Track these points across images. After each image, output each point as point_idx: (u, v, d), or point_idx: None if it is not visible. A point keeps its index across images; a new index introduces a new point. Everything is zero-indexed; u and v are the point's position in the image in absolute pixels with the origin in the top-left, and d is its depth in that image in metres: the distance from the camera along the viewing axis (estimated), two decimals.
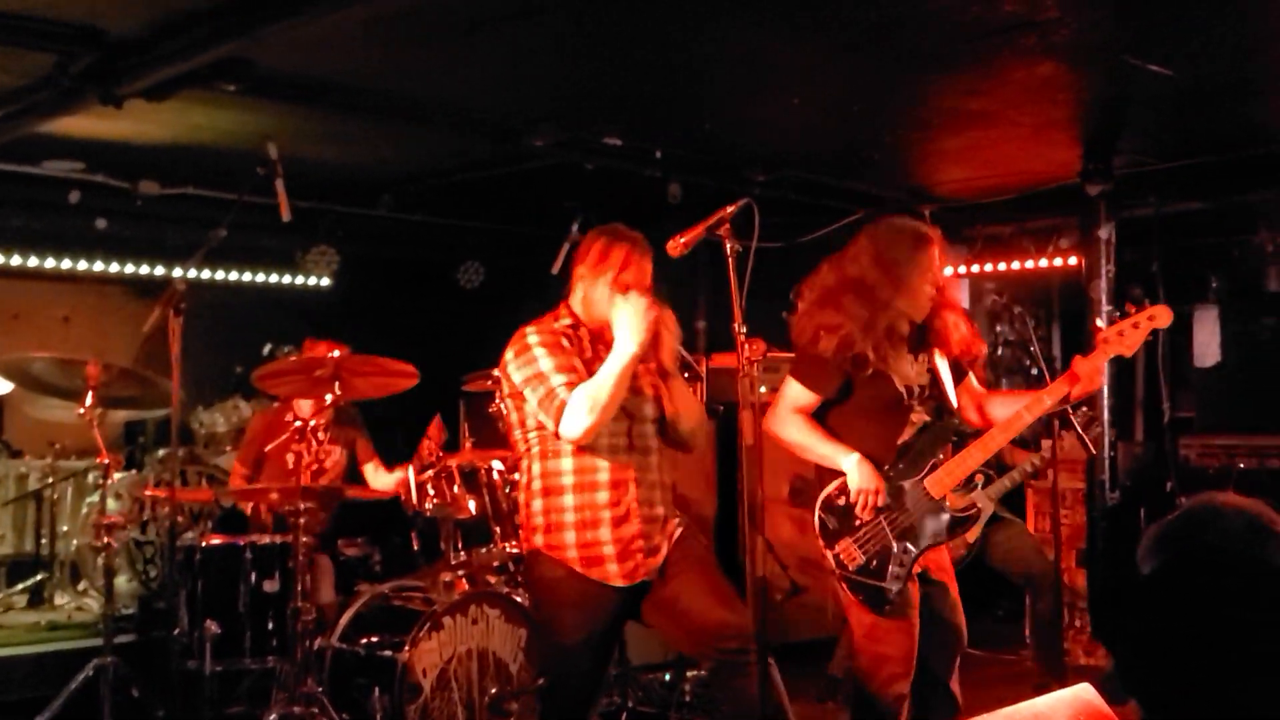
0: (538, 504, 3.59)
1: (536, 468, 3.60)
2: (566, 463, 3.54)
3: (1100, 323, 5.20)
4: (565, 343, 3.56)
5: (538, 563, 3.62)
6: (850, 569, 3.74)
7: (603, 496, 3.52)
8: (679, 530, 3.68)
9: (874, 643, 3.75)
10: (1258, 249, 6.38)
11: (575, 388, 3.43)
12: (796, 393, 3.82)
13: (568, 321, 3.64)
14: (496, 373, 5.04)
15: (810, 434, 3.79)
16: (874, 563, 3.74)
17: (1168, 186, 6.52)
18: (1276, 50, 4.52)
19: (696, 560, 3.64)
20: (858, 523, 3.75)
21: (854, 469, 3.73)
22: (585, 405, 3.39)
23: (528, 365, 3.50)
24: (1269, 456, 6.02)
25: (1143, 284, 6.88)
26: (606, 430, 3.50)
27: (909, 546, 3.75)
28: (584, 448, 3.52)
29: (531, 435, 3.60)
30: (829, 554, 3.76)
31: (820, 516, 3.80)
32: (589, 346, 3.61)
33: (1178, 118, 5.53)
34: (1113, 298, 6.11)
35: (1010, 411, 3.82)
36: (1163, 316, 3.80)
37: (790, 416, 3.80)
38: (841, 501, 3.77)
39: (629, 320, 3.44)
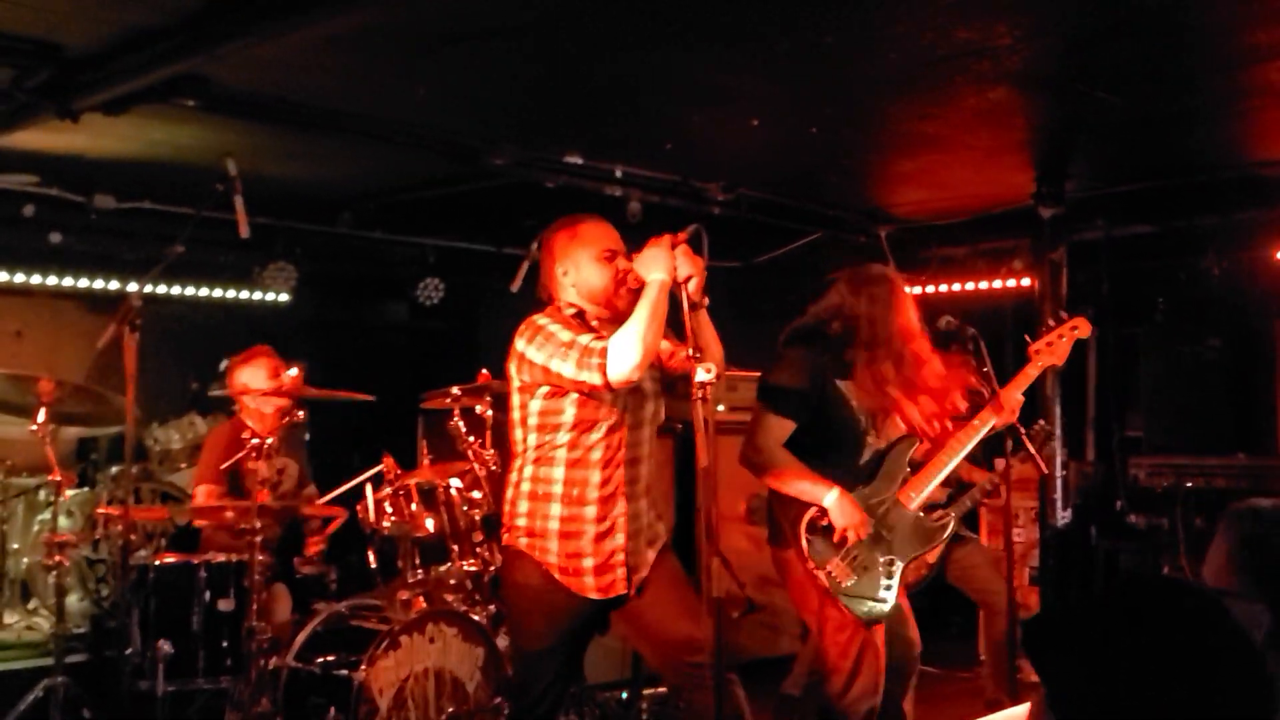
0: (523, 505, 3.56)
1: (529, 471, 3.56)
2: (559, 472, 3.51)
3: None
4: (576, 322, 3.52)
5: (516, 564, 3.58)
6: (844, 585, 3.83)
7: (590, 511, 3.50)
8: (661, 540, 3.69)
9: (848, 660, 3.84)
10: (1204, 272, 6.51)
11: (608, 338, 3.34)
12: (777, 425, 3.89)
13: (572, 312, 3.58)
14: (475, 380, 5.03)
15: (789, 467, 3.89)
16: (864, 578, 3.84)
17: (1117, 210, 6.65)
18: (1218, 81, 4.63)
19: (669, 573, 3.64)
20: (840, 541, 3.85)
21: (835, 505, 3.85)
22: (629, 341, 3.29)
23: (548, 341, 3.42)
24: (1214, 476, 6.13)
25: (1093, 305, 7.00)
26: (602, 443, 3.49)
27: (894, 559, 3.88)
28: (577, 460, 3.49)
29: (530, 437, 3.55)
30: (820, 574, 3.84)
31: (807, 539, 3.87)
32: (601, 329, 3.52)
33: (1127, 143, 5.65)
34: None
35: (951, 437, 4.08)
36: (1084, 327, 4.22)
37: (770, 450, 3.88)
38: (825, 522, 3.87)
39: (654, 257, 3.37)
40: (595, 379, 3.33)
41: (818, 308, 4.07)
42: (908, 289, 4.11)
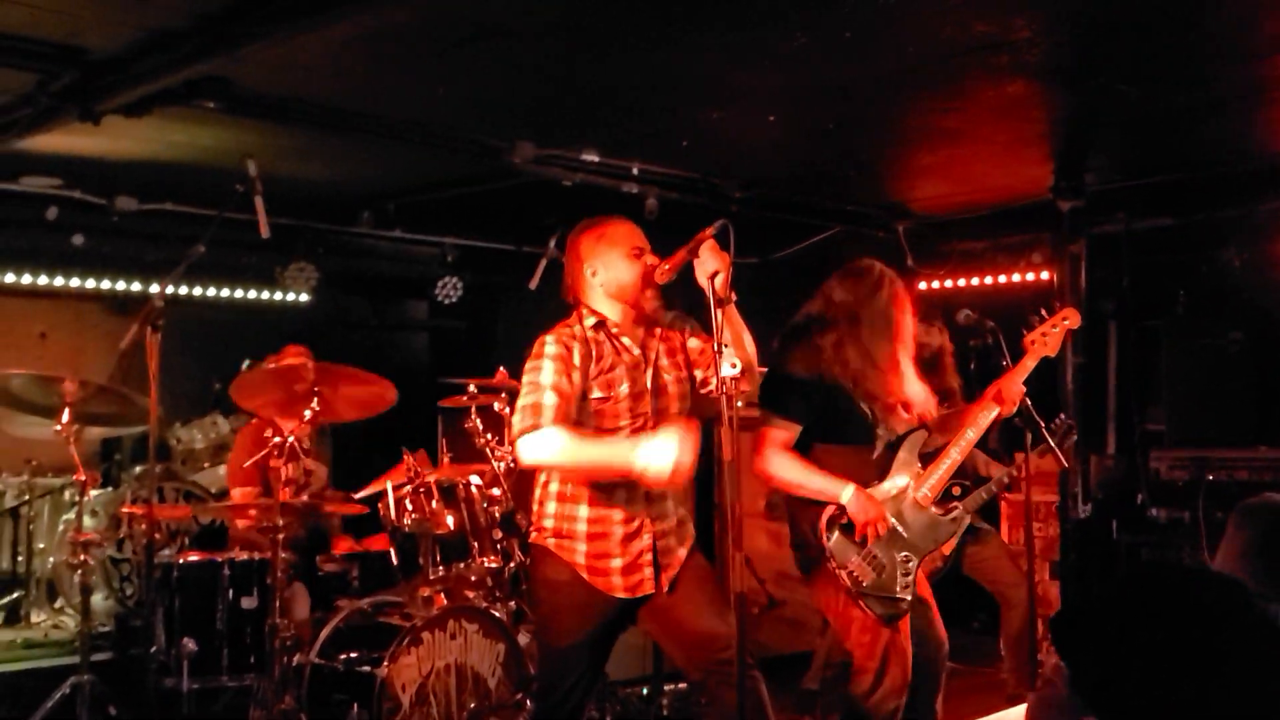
0: (551, 506, 3.60)
1: (556, 472, 3.61)
2: None
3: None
4: (577, 359, 3.50)
5: (544, 561, 3.61)
6: (864, 585, 3.84)
7: (618, 514, 3.54)
8: (691, 537, 3.71)
9: (874, 660, 3.85)
10: (1225, 265, 6.48)
11: (559, 419, 3.40)
12: (785, 428, 3.91)
13: (592, 321, 3.58)
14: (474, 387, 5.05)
15: (801, 471, 3.91)
16: (884, 575, 3.86)
17: (1137, 203, 6.62)
18: (1237, 72, 4.61)
19: (697, 571, 3.66)
20: (860, 539, 3.86)
21: (852, 500, 3.87)
22: (552, 449, 3.40)
23: (534, 371, 3.49)
24: (1237, 469, 6.09)
25: (1114, 298, 6.97)
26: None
27: (910, 556, 3.89)
28: None
29: None
30: (842, 574, 3.85)
31: (826, 538, 3.88)
32: (613, 349, 3.56)
33: (1146, 136, 5.62)
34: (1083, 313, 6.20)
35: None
36: (1074, 318, 4.33)
37: (779, 456, 3.90)
38: (844, 520, 3.88)
39: (661, 451, 3.35)
40: (514, 427, 3.46)
41: (807, 306, 4.09)
42: (895, 279, 4.08)
